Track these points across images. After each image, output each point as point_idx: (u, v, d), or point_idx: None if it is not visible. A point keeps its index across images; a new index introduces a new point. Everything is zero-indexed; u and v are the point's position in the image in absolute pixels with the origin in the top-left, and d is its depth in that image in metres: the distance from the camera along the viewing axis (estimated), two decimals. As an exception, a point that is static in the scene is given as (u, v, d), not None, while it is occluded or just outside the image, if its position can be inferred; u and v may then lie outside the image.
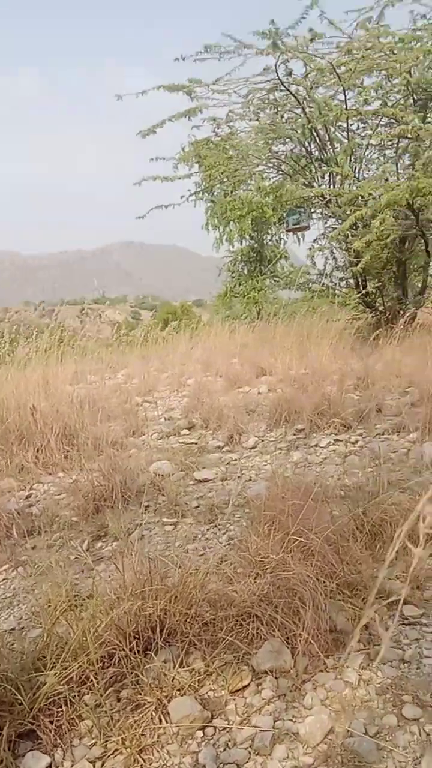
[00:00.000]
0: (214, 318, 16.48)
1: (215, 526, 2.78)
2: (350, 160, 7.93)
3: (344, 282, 9.36)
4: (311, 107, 7.71)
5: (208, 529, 2.77)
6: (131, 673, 1.66)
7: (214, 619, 1.83)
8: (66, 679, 1.60)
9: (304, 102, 7.71)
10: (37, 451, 3.91)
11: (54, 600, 1.96)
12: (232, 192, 10.39)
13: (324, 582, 1.88)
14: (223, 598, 1.89)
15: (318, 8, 7.07)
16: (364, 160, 8.37)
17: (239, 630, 1.80)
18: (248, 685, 1.67)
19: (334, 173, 7.78)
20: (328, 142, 8.27)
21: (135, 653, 1.69)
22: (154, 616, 1.76)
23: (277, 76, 7.43)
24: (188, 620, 1.79)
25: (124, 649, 1.68)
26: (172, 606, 1.78)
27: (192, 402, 5.40)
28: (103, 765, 1.46)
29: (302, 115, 7.84)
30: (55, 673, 1.60)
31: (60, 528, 2.88)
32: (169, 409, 5.61)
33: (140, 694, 1.61)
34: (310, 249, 8.75)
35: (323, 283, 9.58)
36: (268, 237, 14.47)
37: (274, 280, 14.90)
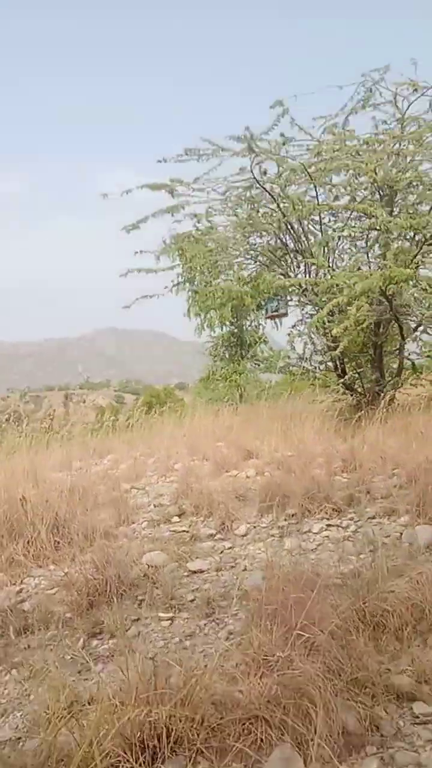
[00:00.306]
0: (196, 401, 16.62)
1: (213, 621, 2.73)
2: (324, 251, 8.36)
3: (324, 365, 9.60)
4: (285, 203, 8.20)
5: (205, 624, 2.71)
6: (137, 787, 1.59)
7: (220, 724, 1.77)
8: (69, 797, 1.53)
9: (279, 198, 8.21)
10: (28, 542, 3.83)
11: (53, 707, 1.89)
12: (212, 282, 10.79)
13: (332, 680, 1.84)
14: (229, 699, 1.84)
15: (289, 116, 7.71)
16: (337, 251, 8.83)
17: (247, 735, 1.74)
18: (261, 796, 1.60)
19: (310, 264, 8.18)
20: (303, 235, 8.74)
21: (141, 765, 1.62)
22: (159, 723, 1.70)
23: (253, 175, 7.95)
24: (195, 726, 1.74)
25: (129, 761, 1.61)
26: (177, 711, 1.73)
27: (181, 487, 5.36)
28: None
29: (277, 210, 8.32)
30: (58, 791, 1.52)
31: (54, 625, 2.79)
32: (158, 495, 5.55)
33: (147, 810, 1.53)
34: (289, 334, 9.02)
35: (303, 367, 9.81)
36: (248, 323, 14.91)
37: (255, 364, 15.21)
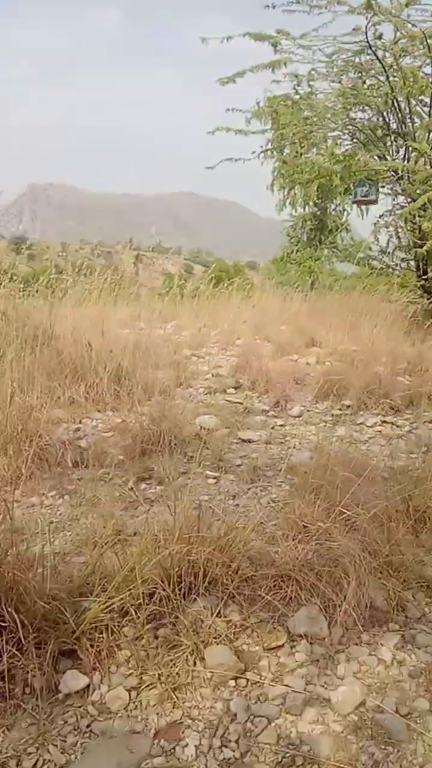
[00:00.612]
0: (266, 282, 16.29)
1: (257, 487, 2.81)
2: (429, 137, 7.61)
3: (405, 263, 9.10)
4: (396, 76, 7.35)
5: (249, 489, 2.80)
6: (171, 614, 1.71)
7: (254, 576, 1.86)
8: (108, 609, 1.66)
9: (390, 69, 7.36)
10: (89, 387, 3.98)
11: (100, 531, 2.02)
12: (302, 154, 10.10)
13: (367, 558, 1.88)
14: (265, 557, 1.93)
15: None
16: (443, 139, 8.01)
17: (278, 590, 1.83)
18: (282, 645, 1.70)
19: (411, 149, 7.47)
20: (409, 116, 7.92)
21: (176, 595, 1.74)
22: (198, 563, 1.80)
23: (366, 38, 7.09)
24: (229, 573, 1.83)
25: (165, 590, 1.73)
26: (215, 556, 1.82)
27: (240, 362, 5.39)
28: (138, 695, 1.52)
29: (386, 82, 7.50)
30: (100, 602, 1.66)
31: (108, 464, 2.95)
32: (217, 366, 5.61)
33: (177, 635, 1.66)
34: (375, 224, 8.49)
35: (384, 261, 9.34)
36: (333, 206, 14.09)
37: (333, 252, 14.58)
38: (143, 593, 1.70)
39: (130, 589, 1.69)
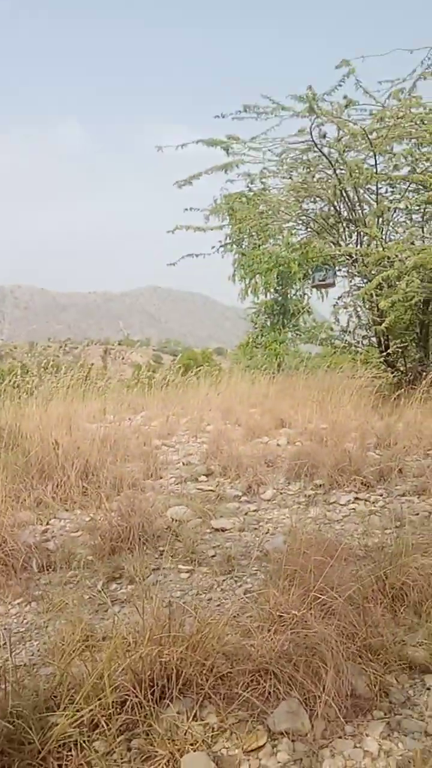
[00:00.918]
0: (234, 367, 16.58)
1: (232, 578, 2.74)
2: (378, 221, 8.12)
3: (367, 340, 9.43)
4: (342, 169, 7.95)
5: (224, 580, 2.73)
6: (144, 721, 1.62)
7: (230, 673, 1.79)
8: (77, 723, 1.57)
9: (336, 164, 7.96)
10: (56, 486, 3.92)
11: (68, 638, 1.93)
12: (260, 246, 10.63)
13: (345, 643, 1.83)
14: (241, 651, 1.86)
15: (354, 77, 7.40)
16: (391, 223, 8.56)
17: (255, 686, 1.75)
18: (263, 745, 1.61)
19: (362, 234, 7.95)
20: (358, 204, 8.49)
21: (149, 701, 1.65)
22: (170, 664, 1.72)
23: (312, 138, 7.71)
24: (204, 672, 1.76)
25: (138, 696, 1.64)
26: (188, 656, 1.75)
27: (211, 448, 5.39)
28: None
29: (333, 176, 8.09)
30: (67, 715, 1.56)
31: (76, 566, 2.86)
32: (188, 454, 5.60)
33: (152, 745, 1.57)
34: (334, 306, 8.87)
35: (346, 340, 9.66)
36: (293, 291, 14.65)
37: (297, 334, 15.02)
38: (114, 702, 1.62)
39: (99, 699, 1.61)
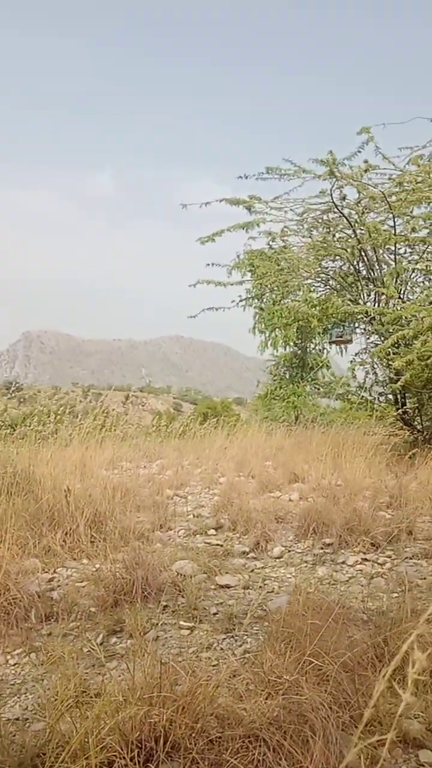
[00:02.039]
0: (252, 417, 16.63)
1: (232, 637, 2.72)
2: (396, 281, 8.25)
3: (383, 397, 9.43)
4: (362, 230, 8.15)
5: (224, 639, 2.71)
6: (129, 785, 1.61)
7: (220, 737, 1.77)
8: (63, 782, 1.57)
9: (356, 225, 8.17)
10: (66, 534, 3.95)
11: (61, 694, 1.94)
12: (280, 301, 10.83)
13: (337, 712, 1.81)
14: (232, 715, 1.85)
15: (374, 143, 7.68)
16: (409, 283, 8.68)
17: (245, 753, 1.73)
18: None
19: (380, 293, 8.08)
20: (376, 263, 8.65)
21: (135, 764, 1.64)
22: (159, 725, 1.72)
23: (332, 199, 7.94)
24: (193, 735, 1.75)
25: (124, 758, 1.64)
26: (178, 717, 1.75)
27: (222, 501, 5.40)
28: None
29: (353, 236, 8.28)
30: (53, 774, 1.57)
31: (77, 617, 2.87)
32: (199, 506, 5.60)
33: (136, 810, 1.56)
34: (351, 362, 8.90)
35: (362, 396, 9.67)
36: (312, 345, 14.81)
37: (315, 387, 15.08)
38: (101, 762, 1.62)
39: (87, 758, 1.61)
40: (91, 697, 1.96)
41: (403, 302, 7.88)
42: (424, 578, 3.48)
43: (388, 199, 7.66)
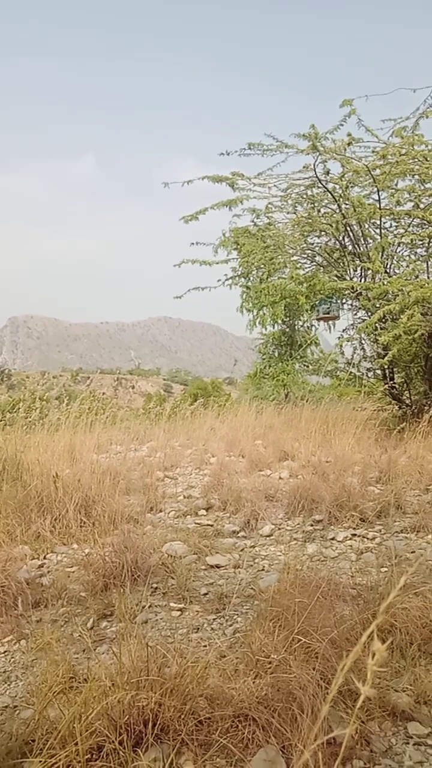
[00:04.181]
0: (242, 397, 16.63)
1: (222, 617, 2.73)
2: (382, 256, 8.20)
3: (371, 372, 9.44)
4: (347, 204, 8.08)
5: (214, 619, 2.71)
6: (119, 769, 1.61)
7: (209, 718, 1.78)
8: (52, 768, 1.56)
9: (340, 199, 8.10)
10: (55, 519, 3.93)
11: (50, 680, 1.94)
12: (267, 278, 10.77)
13: (325, 688, 1.82)
14: (221, 695, 1.85)
15: (356, 116, 7.57)
16: (395, 257, 8.64)
17: (234, 732, 1.74)
18: (239, 794, 1.60)
19: (366, 268, 8.04)
20: (362, 238, 8.59)
21: (125, 747, 1.64)
22: (147, 708, 1.72)
23: (316, 174, 7.86)
24: (182, 716, 1.75)
25: (113, 742, 1.64)
26: (167, 700, 1.75)
27: (212, 481, 5.40)
28: None
29: (338, 211, 8.22)
30: (41, 761, 1.56)
31: (67, 603, 2.86)
32: (189, 486, 5.60)
33: (126, 793, 1.56)
34: (339, 338, 8.90)
35: (351, 372, 9.67)
36: (300, 323, 14.78)
37: (304, 365, 15.08)
38: (90, 747, 1.61)
39: (75, 744, 1.60)
40: (80, 683, 1.95)
41: (389, 277, 7.85)
42: (413, 552, 3.50)
43: (372, 173, 7.59)
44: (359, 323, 8.85)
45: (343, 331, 9.48)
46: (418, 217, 7.66)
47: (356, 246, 8.64)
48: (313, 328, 14.55)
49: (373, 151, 7.78)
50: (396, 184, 7.93)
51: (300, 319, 14.62)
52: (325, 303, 9.78)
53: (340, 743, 1.76)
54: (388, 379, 8.57)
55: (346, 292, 8.76)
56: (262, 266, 9.97)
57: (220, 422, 9.40)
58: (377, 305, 7.46)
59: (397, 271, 8.44)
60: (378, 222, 8.21)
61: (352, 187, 8.17)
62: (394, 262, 8.57)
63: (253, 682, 1.85)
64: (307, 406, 9.90)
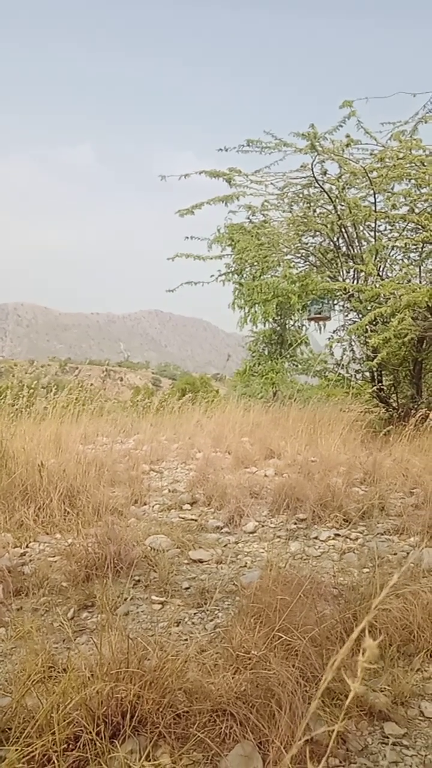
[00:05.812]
0: (231, 393, 16.65)
1: (204, 611, 2.73)
2: (375, 258, 8.23)
3: (360, 374, 9.48)
4: (342, 205, 8.09)
5: (195, 614, 2.72)
6: (95, 760, 1.61)
7: (187, 712, 1.78)
8: (28, 758, 1.56)
9: (336, 200, 8.11)
10: (39, 509, 3.91)
11: (29, 669, 1.93)
12: (260, 276, 10.77)
13: (304, 686, 1.83)
14: (200, 690, 1.85)
15: (356, 118, 7.59)
16: (388, 260, 8.67)
17: (212, 727, 1.74)
18: (214, 788, 1.60)
19: (359, 270, 8.06)
20: (356, 240, 8.62)
21: (102, 738, 1.64)
22: (126, 700, 1.71)
23: (313, 174, 7.87)
24: (160, 709, 1.75)
25: (90, 733, 1.63)
26: (146, 692, 1.75)
27: (198, 476, 5.39)
28: None
29: (333, 211, 8.22)
30: (17, 749, 1.55)
31: (48, 592, 2.85)
32: (175, 480, 5.60)
33: (102, 784, 1.55)
34: (329, 339, 8.92)
35: (339, 373, 9.71)
36: (291, 322, 14.81)
37: (293, 364, 15.12)
38: (67, 738, 1.61)
39: (52, 733, 1.59)
40: (59, 673, 1.95)
41: (382, 280, 7.88)
42: (395, 553, 3.52)
43: (369, 175, 7.60)
44: (350, 325, 8.88)
45: (334, 332, 9.51)
46: (413, 222, 7.70)
47: (350, 248, 8.67)
48: (304, 328, 14.59)
49: (371, 154, 7.81)
50: (392, 188, 7.95)
51: (291, 318, 14.65)
52: (317, 303, 9.81)
53: (316, 741, 1.77)
54: (377, 381, 8.61)
55: (339, 293, 8.79)
56: (255, 263, 9.96)
57: (208, 418, 9.40)
58: (369, 308, 7.49)
59: (389, 275, 8.48)
60: (373, 225, 8.24)
61: (348, 188, 8.18)
62: (388, 265, 8.61)
63: (233, 678, 1.85)
64: (295, 406, 9.93)
